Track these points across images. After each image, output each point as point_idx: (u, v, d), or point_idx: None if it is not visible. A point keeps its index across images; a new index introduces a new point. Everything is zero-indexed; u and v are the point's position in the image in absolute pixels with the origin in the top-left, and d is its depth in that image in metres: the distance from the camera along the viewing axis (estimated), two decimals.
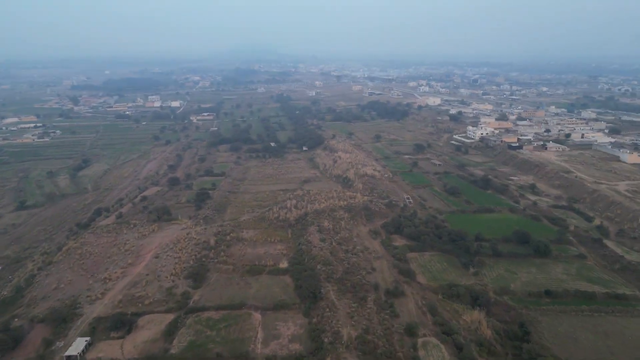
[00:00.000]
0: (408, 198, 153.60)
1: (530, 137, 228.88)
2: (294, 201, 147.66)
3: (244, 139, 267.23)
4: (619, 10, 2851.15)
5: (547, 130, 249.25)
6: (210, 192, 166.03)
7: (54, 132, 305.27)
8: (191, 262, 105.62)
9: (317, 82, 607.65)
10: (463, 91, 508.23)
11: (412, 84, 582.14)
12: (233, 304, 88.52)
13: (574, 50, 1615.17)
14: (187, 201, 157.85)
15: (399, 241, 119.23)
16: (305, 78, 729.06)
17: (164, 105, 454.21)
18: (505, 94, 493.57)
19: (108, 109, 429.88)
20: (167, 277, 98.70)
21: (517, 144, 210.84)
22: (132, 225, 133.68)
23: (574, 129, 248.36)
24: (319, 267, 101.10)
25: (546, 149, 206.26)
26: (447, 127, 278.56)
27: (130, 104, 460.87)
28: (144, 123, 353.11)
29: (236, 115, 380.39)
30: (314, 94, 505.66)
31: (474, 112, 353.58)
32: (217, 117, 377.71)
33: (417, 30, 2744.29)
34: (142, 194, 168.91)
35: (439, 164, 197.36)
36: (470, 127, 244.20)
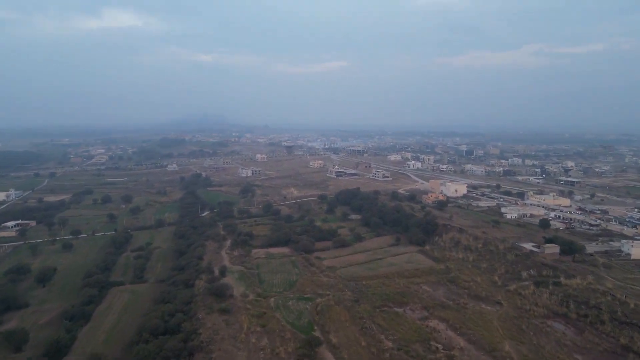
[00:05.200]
0: None
1: None
2: None
3: None
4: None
5: None
6: None
7: None
8: None
9: (258, 155, 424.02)
10: (474, 168, 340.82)
11: (393, 157, 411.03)
12: None
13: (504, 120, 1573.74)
14: None
15: None
16: (246, 149, 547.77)
17: None
18: (538, 174, 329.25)
19: None
20: None
21: None
22: None
23: None
24: None
25: None
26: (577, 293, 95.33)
27: None
28: None
29: (78, 224, 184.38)
30: (249, 173, 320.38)
31: (553, 215, 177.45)
32: (34, 230, 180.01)
33: (372, 100, 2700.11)
34: None
35: None
36: None
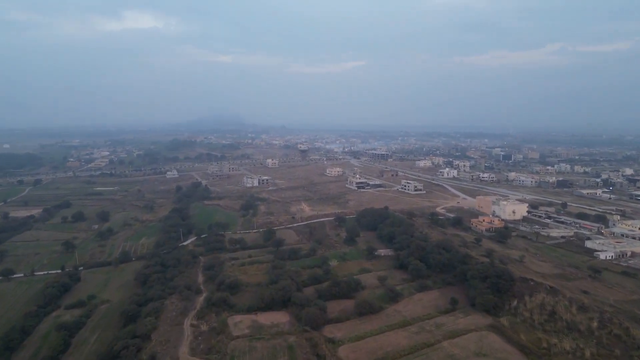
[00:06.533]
0: None
1: None
2: None
3: None
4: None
5: None
6: None
7: None
8: None
9: (269, 161, 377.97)
10: (521, 178, 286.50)
11: (423, 163, 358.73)
12: None
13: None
14: None
15: None
16: (258, 152, 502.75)
17: None
18: (599, 185, 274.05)
19: None
20: None
21: None
22: None
23: None
24: None
25: None
26: None
27: None
28: None
29: (24, 255, 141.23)
30: (255, 183, 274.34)
31: None
32: None
33: (391, 100, 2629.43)
34: None
35: None
36: None
